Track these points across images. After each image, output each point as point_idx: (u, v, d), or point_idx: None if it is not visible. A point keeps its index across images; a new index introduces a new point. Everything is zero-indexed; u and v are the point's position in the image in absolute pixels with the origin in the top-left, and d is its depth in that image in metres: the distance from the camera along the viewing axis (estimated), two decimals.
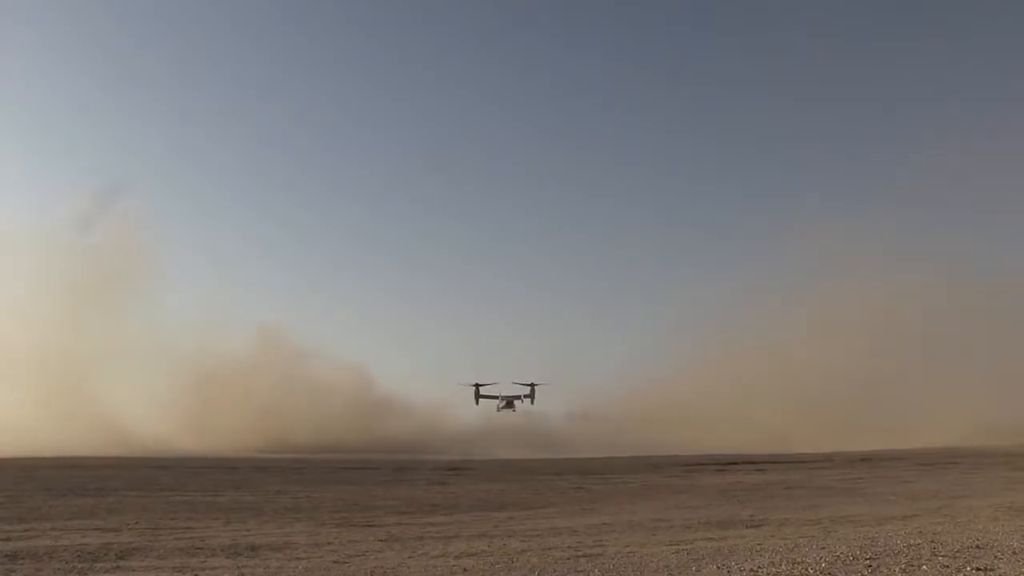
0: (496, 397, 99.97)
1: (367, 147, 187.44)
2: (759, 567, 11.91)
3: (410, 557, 14.81)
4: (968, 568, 11.16)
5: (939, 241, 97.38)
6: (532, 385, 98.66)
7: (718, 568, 12.05)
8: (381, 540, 17.25)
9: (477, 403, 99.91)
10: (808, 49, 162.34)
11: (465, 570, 13.11)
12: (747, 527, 18.51)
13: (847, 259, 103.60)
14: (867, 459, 47.18)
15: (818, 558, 12.46)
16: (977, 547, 13.12)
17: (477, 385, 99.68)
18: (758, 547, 14.52)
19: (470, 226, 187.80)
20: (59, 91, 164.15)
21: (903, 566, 11.46)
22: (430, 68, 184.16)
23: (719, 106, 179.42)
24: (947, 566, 11.37)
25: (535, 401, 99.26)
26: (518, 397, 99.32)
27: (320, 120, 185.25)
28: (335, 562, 14.28)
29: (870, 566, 11.56)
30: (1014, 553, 12.44)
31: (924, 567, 11.32)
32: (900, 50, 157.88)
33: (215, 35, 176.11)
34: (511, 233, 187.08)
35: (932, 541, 14.02)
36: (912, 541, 14.07)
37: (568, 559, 14.03)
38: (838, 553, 12.82)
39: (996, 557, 12.12)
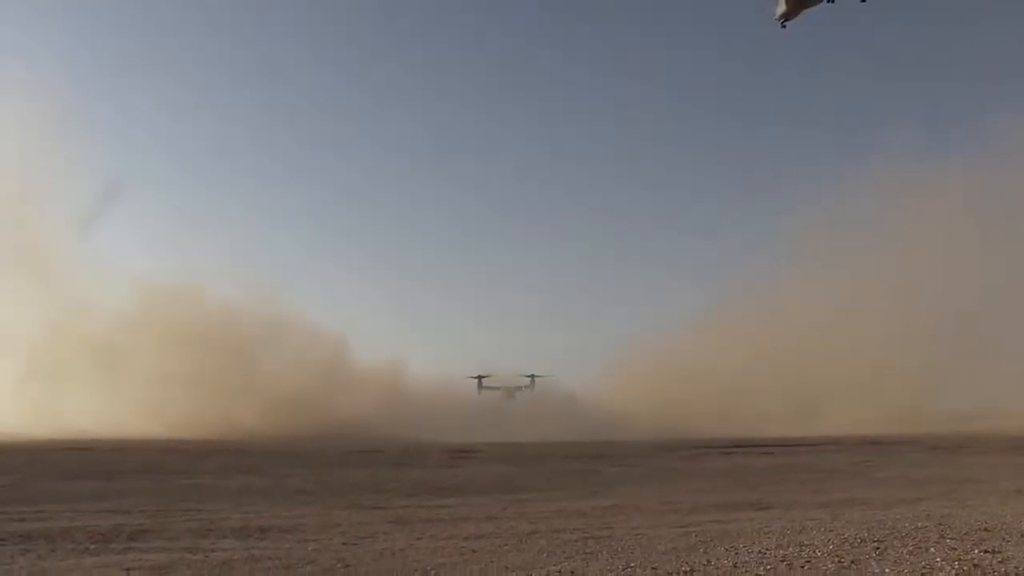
0: (498, 388, 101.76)
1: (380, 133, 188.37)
2: (767, 549, 11.95)
3: (419, 539, 14.89)
4: (976, 551, 11.16)
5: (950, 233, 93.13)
6: (532, 376, 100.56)
7: (726, 550, 12.09)
8: (390, 522, 17.34)
9: (479, 393, 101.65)
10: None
11: (474, 552, 13.18)
12: (755, 510, 18.54)
13: (861, 240, 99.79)
14: (875, 443, 47.13)
15: (826, 540, 12.49)
16: (985, 530, 13.12)
17: (480, 377, 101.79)
18: (766, 529, 14.54)
19: (473, 197, 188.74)
20: (55, 88, 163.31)
21: (911, 548, 11.48)
22: (424, 67, 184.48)
23: (735, 80, 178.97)
24: (955, 548, 11.38)
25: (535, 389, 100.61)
26: (519, 388, 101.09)
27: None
28: (344, 544, 14.36)
29: (878, 548, 11.58)
30: (1022, 535, 12.44)
31: (932, 549, 11.33)
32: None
33: (224, 33, 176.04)
34: (515, 209, 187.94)
35: (940, 524, 14.02)
36: (920, 524, 14.08)
37: (577, 541, 14.08)
38: (846, 536, 12.84)
39: (1004, 539, 12.12)
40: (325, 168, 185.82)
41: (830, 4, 30.04)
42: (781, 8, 31.15)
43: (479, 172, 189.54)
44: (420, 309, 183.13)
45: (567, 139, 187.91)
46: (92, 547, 14.16)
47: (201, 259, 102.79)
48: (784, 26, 31.74)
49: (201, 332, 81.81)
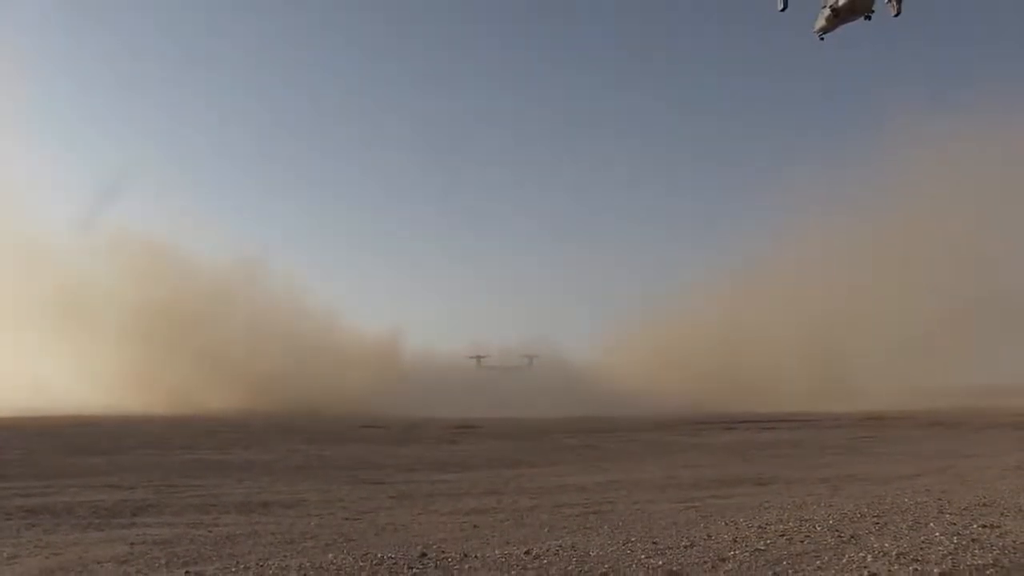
0: (496, 368, 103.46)
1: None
2: (767, 523, 12.00)
3: (420, 514, 14.98)
4: (975, 525, 11.21)
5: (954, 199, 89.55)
6: (531, 358, 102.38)
7: (726, 524, 12.16)
8: (391, 497, 17.45)
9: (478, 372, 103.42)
10: None
11: (475, 526, 13.26)
12: (755, 485, 18.64)
13: (869, 208, 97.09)
14: (875, 418, 47.27)
15: (826, 515, 12.55)
16: (984, 505, 13.18)
17: (478, 357, 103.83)
18: (766, 504, 14.63)
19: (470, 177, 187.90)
20: (56, 87, 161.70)
21: (910, 523, 11.53)
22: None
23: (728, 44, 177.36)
24: (954, 523, 11.43)
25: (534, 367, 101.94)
26: (518, 368, 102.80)
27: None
28: (346, 519, 14.45)
29: (877, 523, 11.63)
30: (1020, 510, 12.49)
31: (931, 524, 11.38)
32: None
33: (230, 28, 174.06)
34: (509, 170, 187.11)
35: (939, 499, 14.09)
36: (919, 499, 14.15)
37: (577, 515, 14.16)
38: (845, 511, 12.90)
39: (1002, 514, 12.17)
40: (325, 141, 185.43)
41: (867, 21, 31.10)
42: (820, 23, 32.13)
43: (476, 154, 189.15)
44: (418, 287, 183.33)
45: (568, 103, 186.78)
46: (96, 522, 14.26)
47: (193, 233, 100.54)
48: (822, 39, 32.79)
49: (190, 303, 78.64)
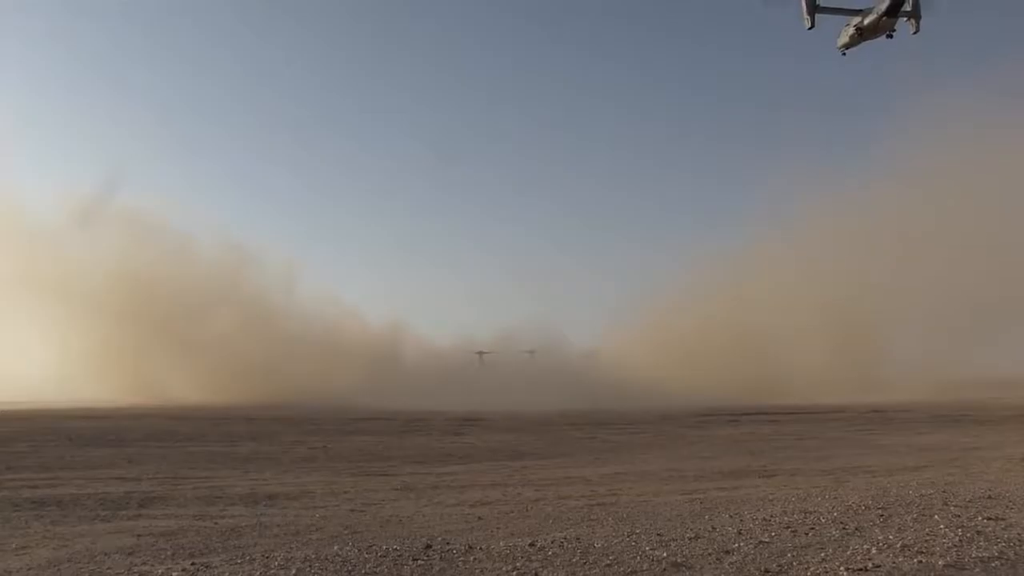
0: (500, 361, 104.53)
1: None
2: (771, 516, 12.01)
3: (426, 506, 15.03)
4: (979, 517, 11.21)
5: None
6: (532, 352, 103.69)
7: (731, 517, 12.17)
8: (396, 489, 17.51)
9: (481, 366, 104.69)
10: None
11: (480, 518, 13.29)
12: (759, 477, 18.65)
13: (872, 199, 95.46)
14: (879, 411, 47.20)
15: (830, 507, 12.55)
16: (989, 497, 13.16)
17: (481, 352, 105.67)
18: (770, 497, 14.64)
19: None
20: (52, 84, 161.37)
21: (915, 515, 11.53)
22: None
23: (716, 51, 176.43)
24: (958, 515, 11.42)
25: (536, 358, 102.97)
26: (521, 360, 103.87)
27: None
28: (351, 511, 14.51)
29: (882, 515, 11.63)
30: None
31: (936, 516, 11.38)
32: None
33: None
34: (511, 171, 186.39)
35: (944, 491, 14.07)
36: (924, 491, 14.13)
37: (582, 507, 14.19)
38: (850, 503, 12.91)
39: (1007, 507, 12.17)
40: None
41: (888, 39, 32.07)
42: (844, 40, 33.04)
43: (480, 145, 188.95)
44: (420, 279, 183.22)
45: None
46: (103, 513, 14.34)
47: (195, 223, 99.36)
48: (844, 54, 33.72)
49: (188, 294, 78.44)
